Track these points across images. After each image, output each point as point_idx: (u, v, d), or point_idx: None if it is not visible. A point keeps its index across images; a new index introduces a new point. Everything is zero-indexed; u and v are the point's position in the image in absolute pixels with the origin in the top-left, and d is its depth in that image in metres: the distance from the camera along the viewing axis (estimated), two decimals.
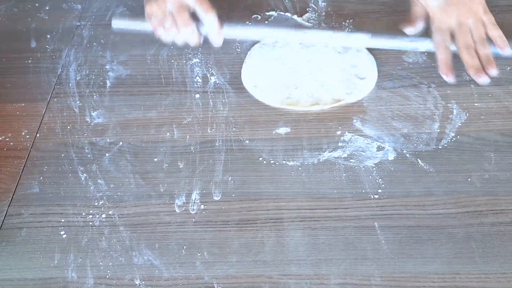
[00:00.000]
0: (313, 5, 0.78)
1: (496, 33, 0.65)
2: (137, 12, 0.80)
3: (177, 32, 0.67)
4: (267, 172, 0.59)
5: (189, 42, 0.69)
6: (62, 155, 0.63)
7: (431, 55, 0.68)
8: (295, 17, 0.77)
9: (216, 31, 0.68)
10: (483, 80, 0.64)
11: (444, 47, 0.65)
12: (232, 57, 0.72)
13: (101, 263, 0.54)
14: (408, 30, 0.69)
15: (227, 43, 0.73)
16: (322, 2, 0.78)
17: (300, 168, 0.60)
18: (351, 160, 0.60)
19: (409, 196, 0.56)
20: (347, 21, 0.75)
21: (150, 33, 0.69)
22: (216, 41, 0.69)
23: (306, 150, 0.61)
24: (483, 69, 0.64)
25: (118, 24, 0.73)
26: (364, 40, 0.68)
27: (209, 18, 0.67)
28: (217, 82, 0.69)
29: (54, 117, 0.68)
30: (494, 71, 0.64)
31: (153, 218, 0.57)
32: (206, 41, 0.73)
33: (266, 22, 0.76)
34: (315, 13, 0.77)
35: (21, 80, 0.73)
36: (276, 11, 0.78)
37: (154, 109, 0.67)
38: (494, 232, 0.53)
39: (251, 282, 0.52)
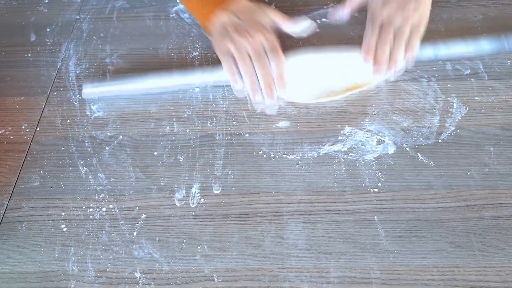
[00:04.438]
0: None
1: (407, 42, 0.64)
2: (137, 5, 0.80)
3: (253, 73, 0.63)
4: (267, 166, 0.60)
5: (267, 94, 0.63)
6: (62, 148, 0.63)
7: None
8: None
9: (283, 84, 0.64)
10: (376, 71, 0.63)
11: (369, 38, 0.65)
12: None
13: (101, 256, 0.54)
14: (337, 14, 0.71)
15: None
16: None
17: (300, 162, 0.60)
18: (351, 154, 0.60)
19: (409, 189, 0.56)
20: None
21: (128, 95, 0.67)
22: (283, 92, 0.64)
23: (306, 144, 0.61)
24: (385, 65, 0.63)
25: (90, 91, 0.67)
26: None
27: (278, 67, 0.63)
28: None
29: (54, 110, 0.68)
30: (389, 72, 0.64)
31: (153, 212, 0.57)
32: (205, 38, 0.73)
33: None
34: None
35: (20, 73, 0.73)
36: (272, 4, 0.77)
37: (154, 103, 0.67)
38: (493, 226, 0.53)
39: (251, 275, 0.52)
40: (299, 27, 0.68)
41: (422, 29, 0.64)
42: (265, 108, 0.65)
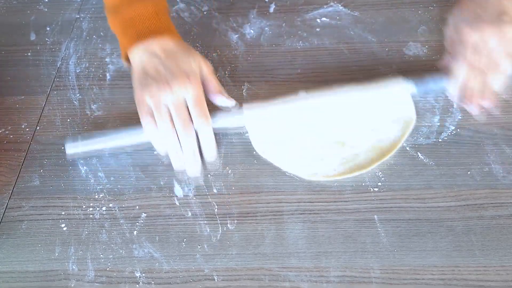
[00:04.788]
0: None
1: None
2: None
3: (173, 136, 0.55)
4: (267, 165, 0.59)
5: (188, 162, 0.56)
6: (62, 148, 0.63)
7: (432, 48, 0.68)
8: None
9: (211, 146, 0.57)
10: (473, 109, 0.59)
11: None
12: (232, 50, 0.72)
13: (101, 255, 0.54)
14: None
15: (228, 40, 0.73)
16: None
17: None
18: None
19: (409, 189, 0.56)
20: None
21: (114, 149, 0.61)
22: (210, 157, 0.57)
23: None
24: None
25: (73, 149, 0.60)
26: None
27: (204, 129, 0.55)
28: (217, 75, 0.69)
29: (54, 110, 0.68)
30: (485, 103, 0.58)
31: (153, 211, 0.57)
32: (207, 43, 0.73)
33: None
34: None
35: (20, 73, 0.73)
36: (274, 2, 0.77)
37: None
38: (493, 225, 0.53)
39: (251, 274, 0.52)
40: (229, 102, 0.59)
41: None
42: (187, 172, 0.58)
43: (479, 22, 0.56)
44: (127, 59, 0.62)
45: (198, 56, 0.59)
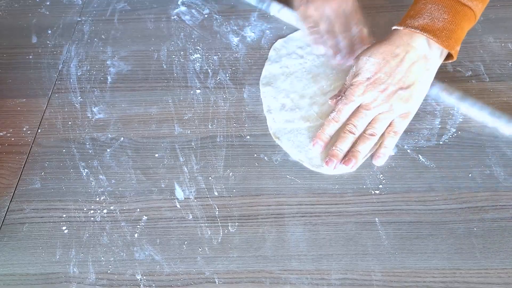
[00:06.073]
0: None
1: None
2: (138, 7, 0.80)
3: (332, 38, 0.65)
4: (268, 168, 0.59)
5: (341, 50, 0.66)
6: (64, 150, 0.63)
7: None
8: None
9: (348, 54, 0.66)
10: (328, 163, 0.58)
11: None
12: (233, 52, 0.72)
13: (102, 258, 0.54)
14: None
15: (229, 42, 0.74)
16: None
17: (301, 164, 0.59)
18: None
19: (410, 191, 0.56)
20: None
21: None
22: (339, 62, 0.67)
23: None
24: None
25: None
26: None
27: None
28: (218, 77, 0.69)
29: (55, 112, 0.68)
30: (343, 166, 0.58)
31: (154, 214, 0.57)
32: (204, 38, 0.73)
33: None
34: None
35: (22, 75, 0.73)
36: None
37: (155, 105, 0.67)
38: (495, 228, 0.53)
39: (252, 277, 0.52)
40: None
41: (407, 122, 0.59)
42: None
43: (377, 85, 0.58)
44: None
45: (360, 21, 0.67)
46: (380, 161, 0.58)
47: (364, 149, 0.58)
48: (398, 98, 0.58)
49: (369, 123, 0.59)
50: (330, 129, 0.59)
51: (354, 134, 0.58)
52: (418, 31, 0.57)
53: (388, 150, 0.58)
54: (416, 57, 0.58)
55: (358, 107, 0.59)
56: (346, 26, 0.65)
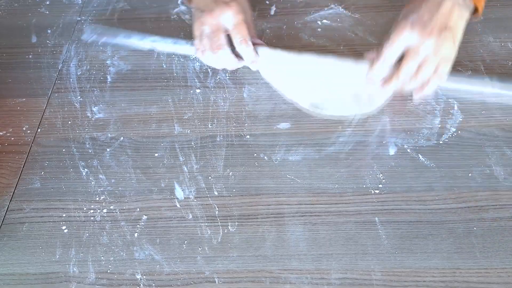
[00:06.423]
0: None
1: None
2: (138, 6, 0.80)
3: (211, 55, 0.64)
4: (268, 167, 0.59)
5: (226, 66, 0.67)
6: (63, 150, 0.63)
7: None
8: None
9: (250, 60, 0.65)
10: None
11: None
12: None
13: (102, 258, 0.54)
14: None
15: None
16: None
17: (300, 163, 0.60)
18: (352, 155, 0.60)
19: (410, 191, 0.56)
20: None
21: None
22: (252, 68, 0.67)
23: (307, 145, 0.61)
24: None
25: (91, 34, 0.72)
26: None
27: (242, 48, 0.63)
28: (218, 77, 0.69)
29: (55, 112, 0.68)
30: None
31: (154, 213, 0.57)
32: None
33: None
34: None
35: (22, 75, 0.73)
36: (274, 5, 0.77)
37: (155, 104, 0.67)
38: (494, 227, 0.53)
39: (251, 276, 0.52)
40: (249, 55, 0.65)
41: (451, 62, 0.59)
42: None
43: (422, 27, 0.57)
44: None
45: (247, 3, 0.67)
46: (421, 95, 0.60)
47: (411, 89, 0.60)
48: (444, 38, 0.57)
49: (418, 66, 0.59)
50: (379, 71, 0.60)
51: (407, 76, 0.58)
52: None
53: (430, 89, 0.59)
54: (452, 3, 0.59)
55: (405, 52, 0.59)
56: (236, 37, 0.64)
